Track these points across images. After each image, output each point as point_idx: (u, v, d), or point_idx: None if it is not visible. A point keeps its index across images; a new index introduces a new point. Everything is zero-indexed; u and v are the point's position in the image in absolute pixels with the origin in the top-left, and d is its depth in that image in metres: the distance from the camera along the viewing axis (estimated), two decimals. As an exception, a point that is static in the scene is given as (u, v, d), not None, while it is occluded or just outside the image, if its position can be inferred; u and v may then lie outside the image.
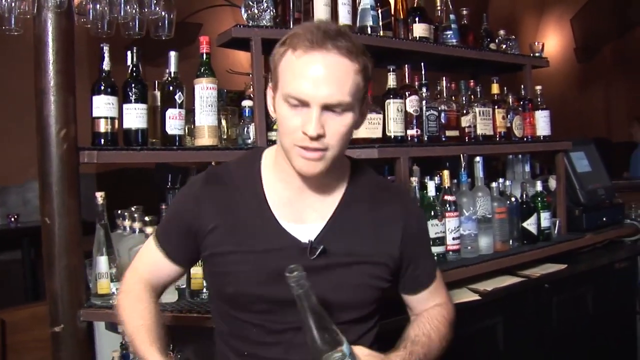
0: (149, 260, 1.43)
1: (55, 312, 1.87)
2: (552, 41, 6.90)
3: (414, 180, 2.30)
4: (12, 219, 4.82)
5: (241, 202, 1.30)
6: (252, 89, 2.18)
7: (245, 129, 2.20)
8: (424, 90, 2.50)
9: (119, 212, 2.06)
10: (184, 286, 1.96)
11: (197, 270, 1.89)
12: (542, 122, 2.92)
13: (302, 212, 1.29)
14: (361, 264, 1.28)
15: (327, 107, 1.17)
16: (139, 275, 1.42)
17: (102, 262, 1.88)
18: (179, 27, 2.14)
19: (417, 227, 1.40)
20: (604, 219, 3.15)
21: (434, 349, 1.35)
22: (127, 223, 2.02)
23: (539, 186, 2.79)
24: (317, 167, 1.21)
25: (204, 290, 1.93)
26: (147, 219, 1.98)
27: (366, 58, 1.22)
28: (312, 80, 1.15)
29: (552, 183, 2.99)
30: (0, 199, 5.05)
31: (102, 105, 1.87)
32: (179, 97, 1.97)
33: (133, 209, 2.07)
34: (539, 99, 2.94)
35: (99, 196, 1.88)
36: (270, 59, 1.25)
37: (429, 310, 1.43)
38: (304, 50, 1.16)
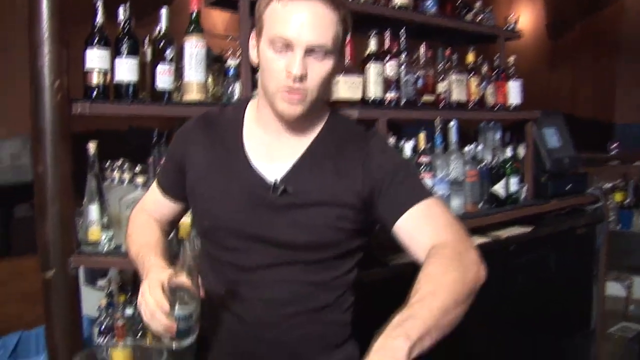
0: (151, 199, 1.56)
1: (46, 259, 1.93)
2: (525, 16, 7.02)
3: (391, 140, 2.41)
4: (-14, 178, 4.79)
5: (222, 142, 1.39)
6: (238, 49, 2.26)
7: (230, 87, 2.28)
8: (403, 56, 2.59)
9: (108, 163, 2.12)
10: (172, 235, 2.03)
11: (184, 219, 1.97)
12: (513, 92, 3.04)
13: (274, 153, 1.35)
14: (323, 205, 1.31)
15: (309, 51, 1.23)
16: (145, 211, 1.56)
17: (93, 211, 1.94)
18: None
19: (381, 160, 1.34)
20: (568, 187, 3.31)
21: (429, 298, 1.09)
22: (116, 174, 2.08)
23: (508, 153, 2.92)
24: (297, 109, 1.27)
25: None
26: (137, 169, 2.05)
27: (346, 11, 1.28)
28: (298, 24, 1.22)
29: (521, 151, 3.12)
30: (-29, 158, 5.01)
31: (95, 58, 1.93)
32: (169, 53, 2.03)
33: (121, 160, 2.13)
34: (511, 70, 3.06)
35: (91, 146, 1.94)
36: (256, 9, 1.31)
37: (428, 254, 1.21)
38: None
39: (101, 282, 2.63)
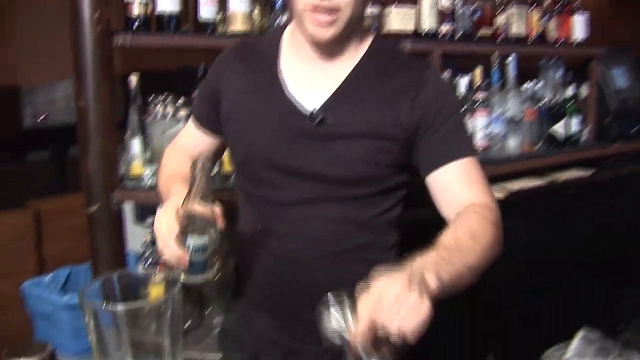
0: (186, 133, 1.48)
1: (90, 194, 1.91)
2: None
3: (446, 75, 2.29)
4: (40, 119, 4.86)
5: (258, 69, 1.30)
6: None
7: (277, 19, 2.19)
8: (460, -15, 2.44)
9: (152, 97, 2.07)
10: (216, 170, 1.99)
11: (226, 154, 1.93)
12: (578, 26, 2.84)
13: (311, 81, 1.25)
14: (363, 138, 1.21)
15: None
16: (179, 147, 1.47)
17: (135, 145, 1.91)
18: None
19: (435, 95, 1.24)
20: (634, 130, 3.11)
21: (466, 251, 1.08)
22: (159, 108, 2.03)
23: (570, 91, 2.76)
24: (328, 32, 1.17)
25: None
26: (179, 102, 2.00)
27: None
28: None
29: (584, 90, 2.94)
30: (27, 99, 5.09)
31: (136, -13, 1.86)
32: (213, -19, 1.95)
33: (164, 94, 2.09)
34: (577, 2, 2.86)
35: (133, 79, 1.89)
36: None
37: (461, 213, 1.18)
38: None
39: (150, 220, 2.63)
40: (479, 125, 2.33)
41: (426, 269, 0.98)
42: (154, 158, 1.94)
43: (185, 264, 1.08)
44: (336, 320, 0.95)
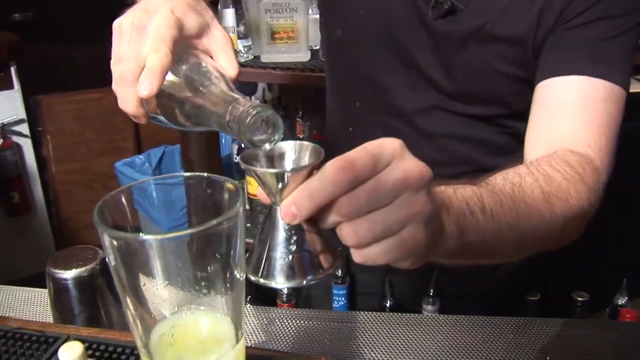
0: None
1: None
2: None
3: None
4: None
5: None
6: None
7: None
8: None
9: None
10: (317, 47, 1.78)
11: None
12: None
13: None
14: (499, 41, 0.86)
15: None
16: None
17: (228, 15, 1.71)
18: None
19: None
20: None
21: (524, 209, 0.65)
22: (256, -25, 1.82)
23: None
24: None
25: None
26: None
27: None
28: None
29: None
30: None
31: None
32: None
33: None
34: None
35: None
36: None
37: (548, 155, 0.76)
38: None
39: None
40: None
41: (446, 207, 0.56)
42: (249, 31, 1.75)
43: (139, 118, 0.65)
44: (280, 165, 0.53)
